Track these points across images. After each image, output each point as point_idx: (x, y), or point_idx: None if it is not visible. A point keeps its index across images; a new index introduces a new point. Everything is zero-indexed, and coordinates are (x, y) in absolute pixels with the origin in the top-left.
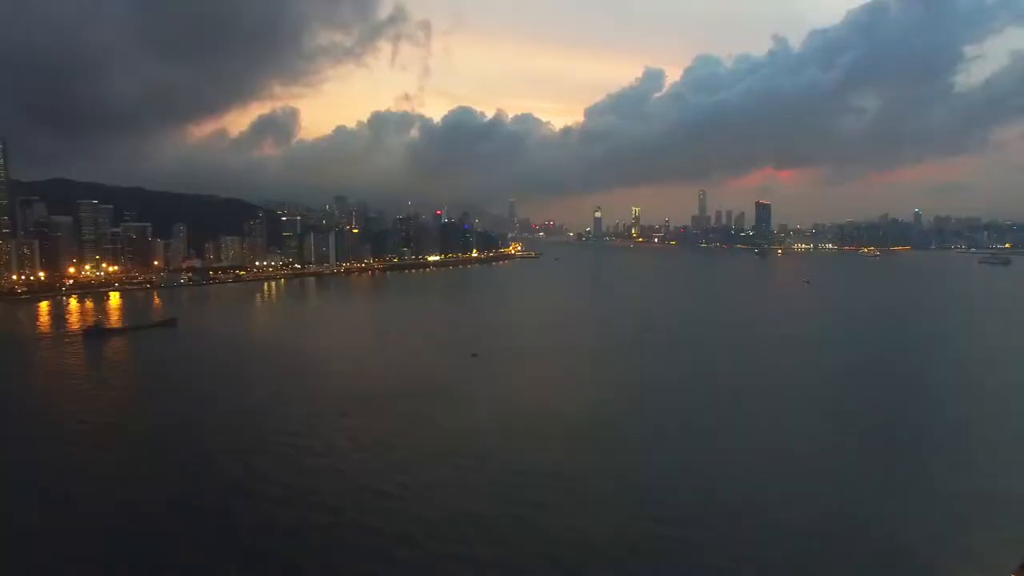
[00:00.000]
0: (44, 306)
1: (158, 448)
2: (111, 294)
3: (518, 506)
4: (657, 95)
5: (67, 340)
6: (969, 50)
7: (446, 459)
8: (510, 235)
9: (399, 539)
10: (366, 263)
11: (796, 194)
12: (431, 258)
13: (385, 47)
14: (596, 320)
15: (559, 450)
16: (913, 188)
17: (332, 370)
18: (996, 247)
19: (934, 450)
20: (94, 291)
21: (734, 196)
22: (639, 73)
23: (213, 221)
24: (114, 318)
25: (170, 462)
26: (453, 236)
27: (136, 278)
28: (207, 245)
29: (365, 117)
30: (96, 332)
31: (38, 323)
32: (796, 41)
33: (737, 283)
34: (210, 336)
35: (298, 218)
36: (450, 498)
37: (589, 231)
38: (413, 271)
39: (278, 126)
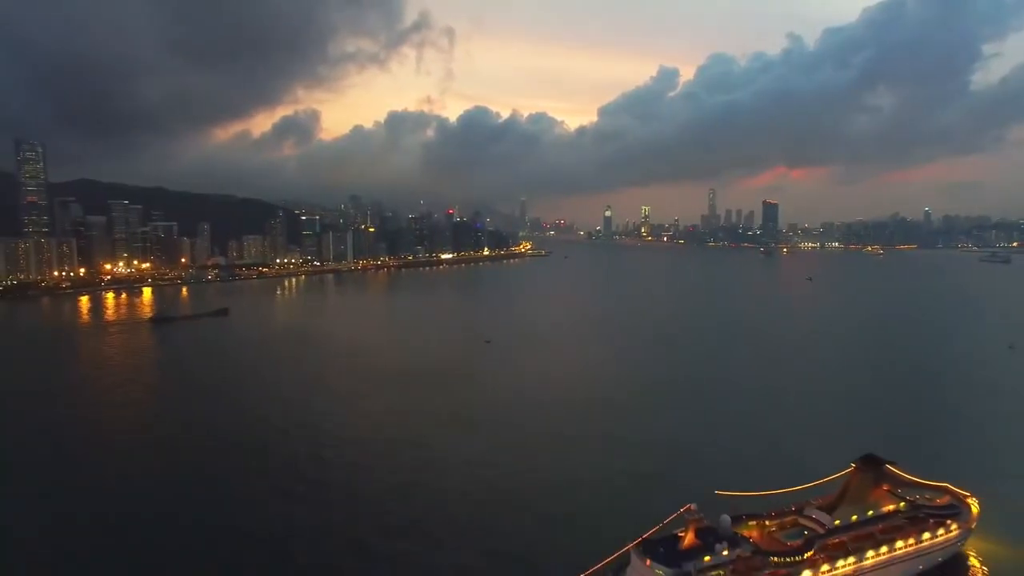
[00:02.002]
0: (85, 300)
1: (222, 411)
2: (144, 289)
3: (514, 460)
4: (671, 94)
5: (137, 326)
6: (988, 48)
7: (458, 425)
8: (521, 234)
9: (415, 478)
10: (382, 261)
11: (808, 193)
12: (444, 256)
13: (408, 52)
14: (597, 312)
15: (556, 418)
16: (927, 187)
17: (360, 354)
18: (1003, 246)
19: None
20: (128, 286)
21: (746, 195)
22: (653, 72)
23: (233, 220)
24: (171, 308)
25: (233, 422)
26: (465, 234)
27: (167, 274)
28: (230, 243)
29: (383, 117)
30: (162, 319)
31: (97, 314)
32: (811, 39)
33: (738, 280)
34: (257, 324)
35: (317, 217)
36: (457, 454)
37: (599, 230)
38: (427, 268)
39: (300, 128)
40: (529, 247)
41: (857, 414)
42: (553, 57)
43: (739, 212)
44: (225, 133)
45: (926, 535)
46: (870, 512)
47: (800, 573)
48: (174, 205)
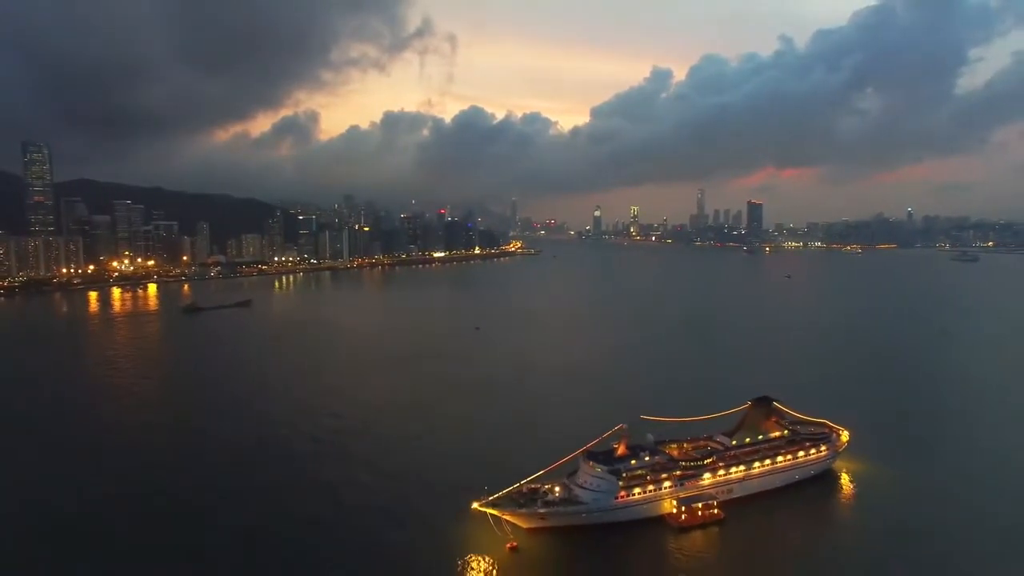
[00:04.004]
0: (94, 296)
1: (253, 380)
2: (150, 285)
3: (496, 416)
4: (664, 95)
5: (171, 315)
6: (974, 52)
7: (452, 395)
8: (511, 233)
9: (412, 437)
10: (376, 259)
11: (797, 194)
12: (436, 254)
13: (410, 58)
14: (578, 304)
15: (533, 382)
16: (913, 188)
17: (364, 340)
18: (979, 245)
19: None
20: (135, 282)
21: (735, 195)
22: (647, 72)
23: (231, 219)
24: (200, 300)
25: (262, 395)
26: (457, 234)
27: (171, 272)
28: (229, 242)
29: (379, 118)
30: (192, 309)
31: (125, 306)
32: (802, 40)
33: (718, 277)
34: (275, 313)
35: (313, 217)
36: (451, 416)
37: (589, 229)
38: (420, 266)
39: (299, 128)
40: (519, 246)
41: (778, 374)
42: (549, 58)
43: (727, 212)
44: (225, 134)
45: (801, 453)
46: (760, 436)
47: (702, 474)
48: (172, 205)
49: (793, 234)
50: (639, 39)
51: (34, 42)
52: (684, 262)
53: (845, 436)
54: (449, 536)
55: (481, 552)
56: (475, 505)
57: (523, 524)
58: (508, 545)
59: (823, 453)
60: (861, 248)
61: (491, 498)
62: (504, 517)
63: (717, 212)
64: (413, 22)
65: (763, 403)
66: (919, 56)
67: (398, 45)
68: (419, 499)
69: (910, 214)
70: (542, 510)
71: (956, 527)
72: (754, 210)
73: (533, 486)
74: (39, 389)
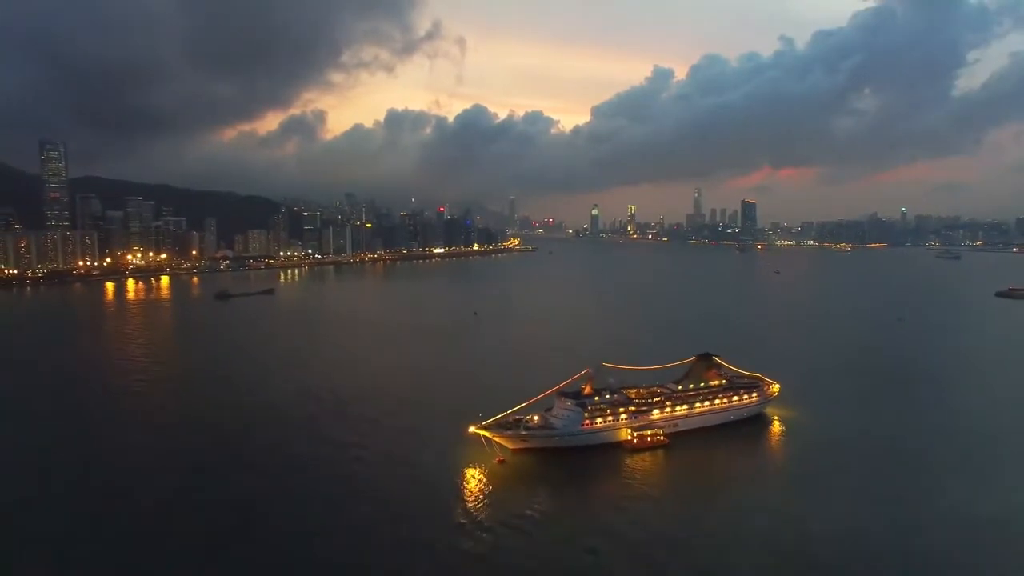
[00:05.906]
0: (111, 286)
1: (277, 355)
2: (163, 277)
3: (485, 384)
4: (665, 95)
5: (206, 300)
6: (972, 54)
7: (453, 362)
8: (509, 231)
9: (411, 401)
10: (378, 254)
11: (794, 193)
12: (436, 250)
13: (420, 61)
14: (568, 295)
15: (522, 367)
16: (909, 188)
17: (371, 323)
18: (968, 244)
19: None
20: (149, 274)
21: (733, 194)
22: (648, 72)
23: (236, 215)
24: (230, 288)
25: (285, 359)
26: (456, 231)
27: (183, 265)
28: (236, 237)
29: (383, 116)
30: (223, 296)
31: (144, 295)
32: (802, 40)
33: (708, 273)
34: (295, 300)
35: (318, 214)
36: (454, 373)
37: (586, 228)
38: (420, 261)
39: (305, 128)
40: (517, 243)
41: (739, 342)
42: (552, 58)
43: (723, 211)
44: (233, 132)
45: (735, 398)
46: (702, 384)
47: (652, 410)
48: (178, 201)
49: (787, 233)
50: (641, 39)
51: (48, 42)
52: (678, 259)
53: (776, 388)
54: (451, 453)
55: (475, 464)
56: (471, 429)
57: (509, 444)
58: (497, 460)
59: (755, 399)
60: (851, 247)
61: (484, 423)
62: (494, 438)
63: (714, 211)
64: (423, 25)
65: (705, 358)
66: (918, 57)
67: (408, 48)
68: (421, 435)
69: (904, 214)
70: (524, 433)
71: (859, 460)
72: (748, 209)
73: (517, 416)
74: (106, 360)
